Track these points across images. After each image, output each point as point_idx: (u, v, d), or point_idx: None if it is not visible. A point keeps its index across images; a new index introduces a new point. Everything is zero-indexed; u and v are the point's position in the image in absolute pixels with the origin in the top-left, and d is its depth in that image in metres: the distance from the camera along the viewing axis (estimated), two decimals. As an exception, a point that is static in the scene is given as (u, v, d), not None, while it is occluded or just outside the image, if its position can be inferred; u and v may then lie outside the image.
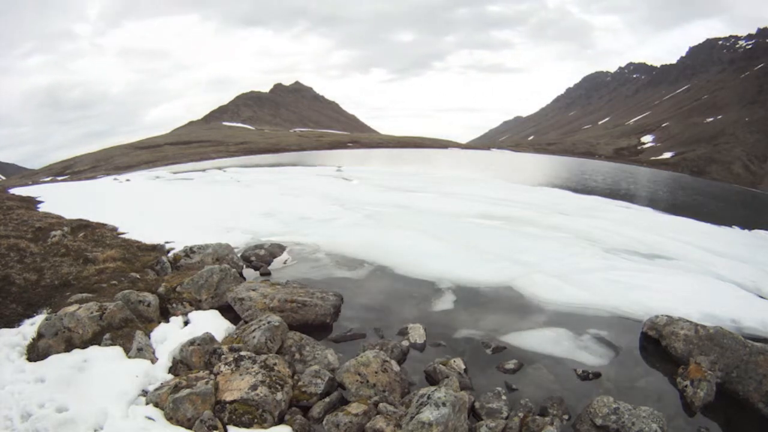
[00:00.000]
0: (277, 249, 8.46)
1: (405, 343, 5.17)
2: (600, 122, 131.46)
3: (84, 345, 4.46)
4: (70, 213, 10.14)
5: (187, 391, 3.69)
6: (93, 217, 9.67)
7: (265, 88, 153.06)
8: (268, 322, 4.81)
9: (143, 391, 3.96)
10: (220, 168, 26.22)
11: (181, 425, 3.54)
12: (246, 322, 5.30)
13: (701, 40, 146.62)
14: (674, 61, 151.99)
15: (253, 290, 5.88)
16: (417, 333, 5.37)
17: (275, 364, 4.19)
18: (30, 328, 4.75)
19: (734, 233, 13.76)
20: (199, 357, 4.43)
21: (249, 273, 7.41)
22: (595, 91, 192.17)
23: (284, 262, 7.95)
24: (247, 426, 3.61)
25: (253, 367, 4.07)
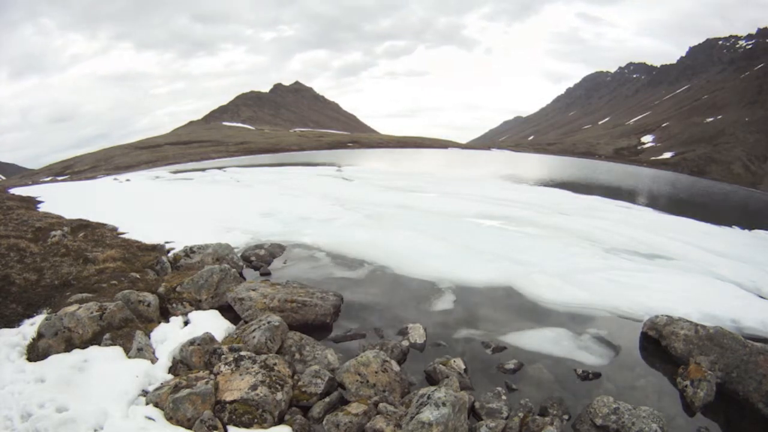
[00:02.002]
0: (277, 249, 8.46)
1: (405, 343, 5.16)
2: (600, 122, 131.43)
3: (84, 345, 4.46)
4: (70, 213, 10.14)
5: (187, 391, 3.69)
6: (93, 217, 9.68)
7: (265, 88, 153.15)
8: (268, 322, 4.81)
9: (143, 391, 3.95)
10: (220, 168, 26.23)
11: (181, 425, 3.54)
12: (246, 322, 5.30)
13: (701, 40, 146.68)
14: (674, 61, 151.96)
15: (253, 290, 5.88)
16: (417, 333, 5.37)
17: (275, 364, 4.19)
18: (30, 328, 4.75)
19: (734, 233, 13.76)
20: (199, 357, 4.42)
21: (249, 273, 7.41)
22: (595, 91, 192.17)
23: (284, 262, 7.95)
24: (247, 426, 3.60)
25: (253, 367, 4.07)
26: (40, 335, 4.47)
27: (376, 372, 4.25)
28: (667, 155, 67.60)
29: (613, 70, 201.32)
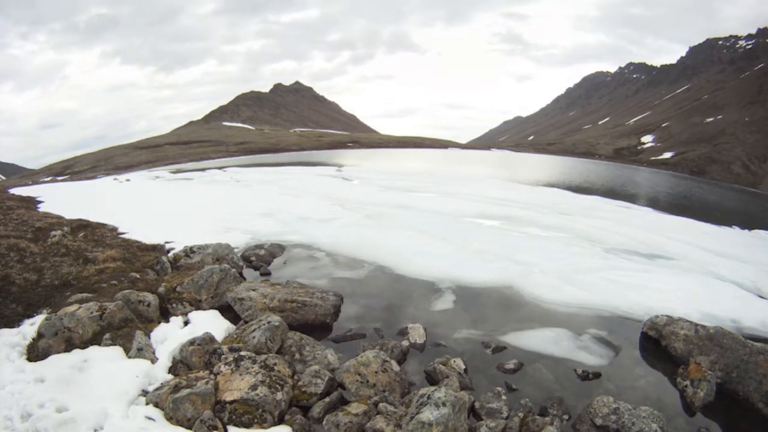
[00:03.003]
0: (277, 249, 8.46)
1: (405, 343, 5.16)
2: (600, 122, 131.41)
3: (84, 345, 4.46)
4: (70, 213, 10.14)
5: (187, 391, 3.69)
6: (93, 217, 9.67)
7: (265, 88, 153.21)
8: (268, 322, 4.81)
9: (143, 391, 3.95)
10: (220, 168, 26.22)
11: (181, 425, 3.54)
12: (246, 322, 5.30)
13: (701, 40, 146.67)
14: (674, 61, 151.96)
15: (253, 290, 5.88)
16: (417, 333, 5.37)
17: (275, 364, 4.19)
18: (30, 328, 4.75)
19: (734, 233, 13.76)
20: (199, 357, 4.42)
21: (249, 273, 7.41)
22: (595, 91, 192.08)
23: (284, 262, 7.95)
24: (247, 426, 3.60)
25: (253, 367, 4.07)
26: (40, 335, 4.47)
27: (376, 372, 4.25)
28: (667, 155, 67.58)
29: (612, 70, 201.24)
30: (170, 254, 7.49)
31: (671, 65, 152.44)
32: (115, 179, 21.24)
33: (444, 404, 3.41)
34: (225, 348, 4.46)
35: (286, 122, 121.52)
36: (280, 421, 3.76)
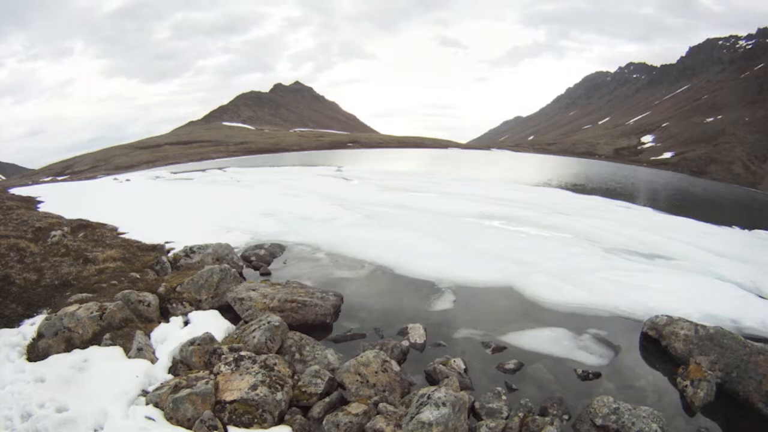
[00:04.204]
0: (277, 249, 8.46)
1: (405, 343, 5.16)
2: (600, 122, 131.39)
3: (84, 345, 4.46)
4: (70, 213, 10.14)
5: (187, 391, 3.69)
6: (93, 217, 9.68)
7: (265, 88, 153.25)
8: (268, 322, 4.81)
9: (143, 391, 3.95)
10: (220, 168, 26.23)
11: (181, 425, 3.54)
12: (246, 322, 5.30)
13: (701, 40, 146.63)
14: (674, 61, 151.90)
15: (253, 290, 5.88)
16: (417, 333, 5.37)
17: (275, 364, 4.19)
18: (30, 328, 4.75)
19: (734, 233, 13.75)
20: (199, 357, 4.42)
21: (249, 273, 7.41)
22: (595, 91, 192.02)
23: (284, 262, 7.95)
24: (247, 426, 3.60)
25: (253, 367, 4.07)
26: (40, 335, 4.47)
27: (376, 372, 4.25)
28: (667, 155, 67.57)
29: (612, 70, 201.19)
30: (170, 254, 7.49)
31: (671, 65, 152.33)
32: (115, 179, 21.24)
33: (444, 404, 3.41)
34: (225, 348, 4.46)
35: (286, 122, 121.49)
36: (280, 421, 3.76)
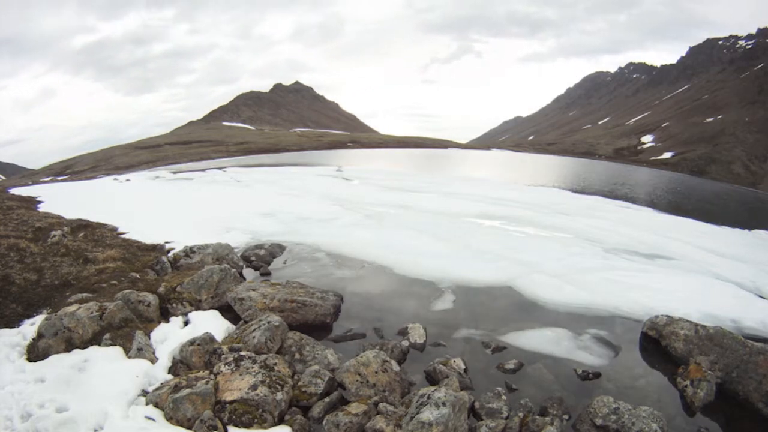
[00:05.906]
0: (277, 249, 8.46)
1: (405, 343, 5.16)
2: (600, 122, 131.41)
3: (84, 345, 4.46)
4: (70, 213, 10.13)
5: (187, 391, 3.69)
6: (93, 217, 9.67)
7: (265, 88, 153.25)
8: (268, 322, 4.81)
9: (143, 391, 3.95)
10: (220, 168, 26.22)
11: (181, 425, 3.54)
12: (246, 322, 5.30)
13: (701, 40, 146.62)
14: (674, 61, 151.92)
15: (253, 290, 5.88)
16: (417, 333, 5.37)
17: (275, 364, 4.19)
18: (30, 328, 4.75)
19: (734, 233, 13.74)
20: (199, 357, 4.42)
21: (249, 273, 7.41)
22: (595, 91, 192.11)
23: (284, 262, 7.95)
24: (247, 426, 3.60)
25: (253, 367, 4.07)
26: (40, 335, 4.47)
27: (376, 372, 4.25)
28: (667, 155, 67.61)
29: (612, 70, 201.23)
30: (170, 254, 7.49)
31: (671, 65, 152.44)
32: (115, 179, 21.23)
33: (444, 404, 3.41)
34: (225, 348, 4.46)
35: (286, 122, 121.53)
36: (280, 421, 3.76)
